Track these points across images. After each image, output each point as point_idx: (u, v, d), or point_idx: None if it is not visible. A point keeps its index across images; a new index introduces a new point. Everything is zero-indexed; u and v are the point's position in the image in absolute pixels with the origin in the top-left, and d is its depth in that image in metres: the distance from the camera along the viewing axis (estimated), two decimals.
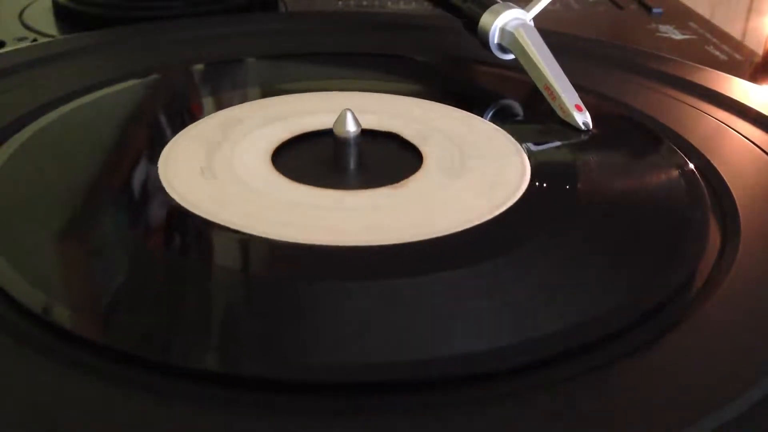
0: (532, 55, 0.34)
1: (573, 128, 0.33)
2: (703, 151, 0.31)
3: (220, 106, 0.34)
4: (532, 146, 0.31)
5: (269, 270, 0.24)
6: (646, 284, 0.23)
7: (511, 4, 0.37)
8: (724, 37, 0.51)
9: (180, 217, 0.25)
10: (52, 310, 0.21)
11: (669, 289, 0.23)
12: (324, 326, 0.21)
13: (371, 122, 0.32)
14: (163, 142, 0.30)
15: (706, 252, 0.25)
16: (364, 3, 0.57)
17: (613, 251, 0.25)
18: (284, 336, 0.20)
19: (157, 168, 0.28)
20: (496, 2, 0.37)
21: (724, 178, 0.29)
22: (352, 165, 0.29)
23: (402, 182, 0.28)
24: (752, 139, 0.32)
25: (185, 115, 0.33)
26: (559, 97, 0.33)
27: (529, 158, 0.30)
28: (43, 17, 0.50)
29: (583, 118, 0.32)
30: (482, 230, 0.25)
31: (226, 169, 0.28)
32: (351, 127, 0.28)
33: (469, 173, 0.29)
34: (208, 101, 0.35)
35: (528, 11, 0.36)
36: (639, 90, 0.37)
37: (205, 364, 0.19)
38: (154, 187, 0.27)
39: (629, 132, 0.33)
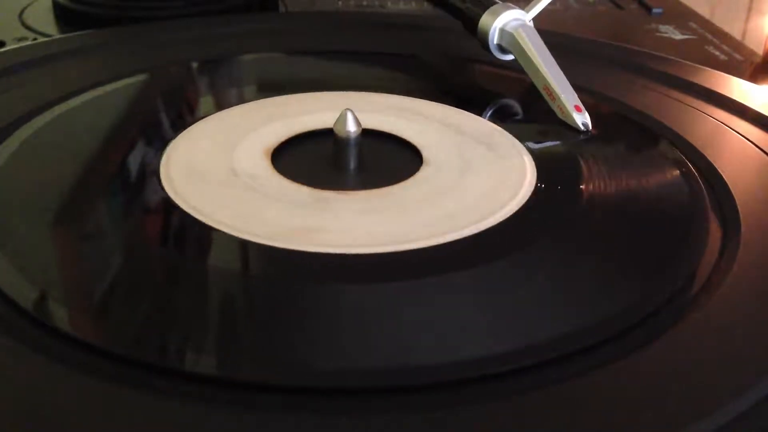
0: (531, 56, 0.34)
1: (573, 129, 0.33)
2: (703, 151, 0.31)
3: (219, 105, 0.34)
4: (533, 146, 0.31)
5: (267, 272, 0.24)
6: (646, 285, 0.23)
7: (510, 4, 0.37)
8: (724, 37, 0.51)
9: (179, 218, 0.25)
10: (51, 310, 0.21)
11: (669, 289, 0.23)
12: (321, 330, 0.21)
13: (372, 122, 0.32)
14: (163, 143, 0.30)
15: (706, 252, 0.25)
16: (364, 3, 0.57)
17: (613, 252, 0.25)
18: (282, 339, 0.20)
19: (157, 169, 0.28)
20: (496, 3, 0.37)
21: (724, 178, 0.29)
22: (352, 165, 0.29)
23: (402, 183, 0.28)
24: (752, 139, 0.32)
25: (185, 115, 0.33)
26: (559, 98, 0.33)
27: (532, 159, 0.30)
28: (43, 17, 0.50)
29: (582, 119, 0.32)
30: (484, 232, 0.25)
31: (226, 168, 0.28)
32: (351, 127, 0.28)
33: (470, 174, 0.29)
34: (207, 101, 0.36)
35: (527, 12, 0.36)
36: (639, 90, 0.37)
37: (197, 367, 0.19)
38: (154, 188, 0.27)
39: (629, 132, 0.33)
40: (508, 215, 0.26)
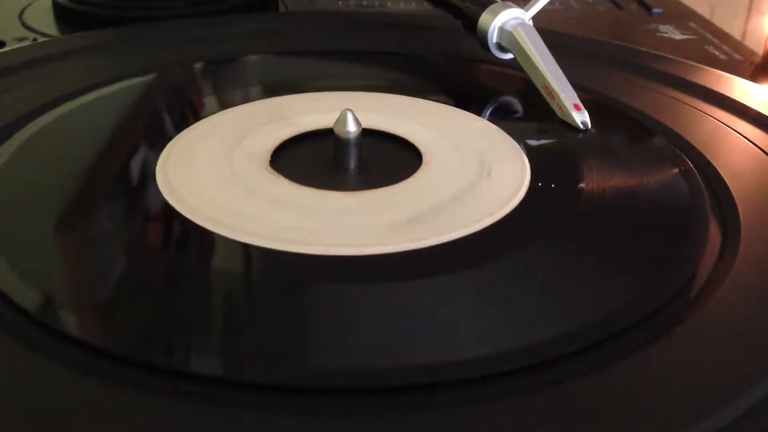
0: (530, 55, 0.34)
1: (572, 128, 0.33)
2: (703, 151, 0.31)
3: (219, 106, 0.34)
4: (532, 145, 0.31)
5: (268, 273, 0.24)
6: (646, 285, 0.23)
7: (510, 3, 0.37)
8: (724, 37, 0.51)
9: (179, 219, 0.25)
10: (50, 310, 0.21)
11: (669, 289, 0.23)
12: (322, 330, 0.21)
13: (371, 122, 0.32)
14: (162, 143, 0.30)
15: (706, 252, 0.25)
16: (364, 3, 0.57)
17: (612, 252, 0.25)
18: (280, 340, 0.20)
19: (156, 169, 0.28)
20: (495, 1, 0.37)
21: (724, 178, 0.29)
22: (352, 165, 0.29)
23: (402, 182, 0.28)
24: (752, 139, 0.32)
25: (185, 115, 0.33)
26: (558, 96, 0.33)
27: (528, 158, 0.30)
28: (43, 17, 0.50)
29: (581, 118, 0.32)
30: (482, 233, 0.25)
31: (226, 169, 0.28)
32: (351, 127, 0.28)
33: (469, 173, 0.29)
34: (207, 101, 0.35)
35: (527, 10, 0.36)
36: (639, 90, 0.37)
37: (197, 367, 0.19)
38: (152, 189, 0.27)
39: (629, 132, 0.33)
40: (507, 214, 0.26)
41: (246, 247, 0.24)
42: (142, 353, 0.19)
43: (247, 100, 0.34)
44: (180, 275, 0.23)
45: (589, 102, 0.33)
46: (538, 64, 0.34)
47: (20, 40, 0.46)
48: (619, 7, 0.58)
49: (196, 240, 0.25)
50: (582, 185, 0.28)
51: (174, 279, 0.23)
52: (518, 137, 0.31)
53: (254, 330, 0.21)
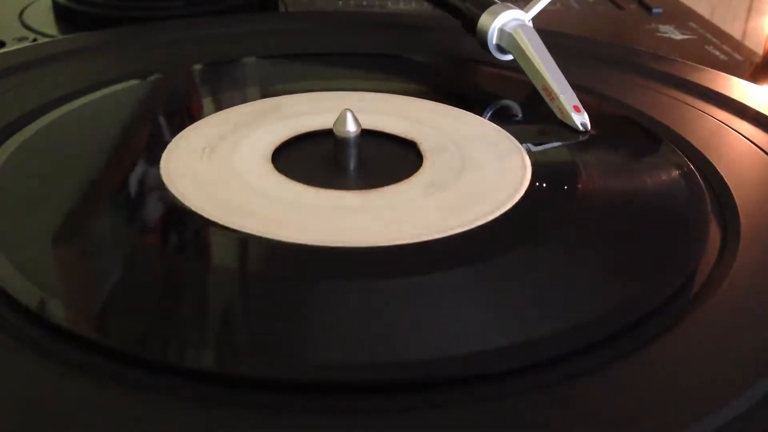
0: (530, 56, 0.34)
1: (572, 129, 0.33)
2: (703, 151, 0.31)
3: (219, 106, 0.34)
4: (532, 146, 0.31)
5: (267, 270, 0.24)
6: (646, 284, 0.23)
7: (509, 4, 0.37)
8: (724, 37, 0.51)
9: (180, 217, 0.25)
10: (51, 309, 0.21)
11: (669, 289, 0.23)
12: (320, 326, 0.21)
13: (371, 122, 0.32)
14: (163, 143, 0.30)
15: (706, 252, 0.25)
16: (364, 3, 0.57)
17: (612, 251, 0.25)
18: (281, 336, 0.20)
19: (157, 168, 0.28)
20: (495, 2, 0.37)
21: (724, 178, 0.29)
22: (351, 165, 0.29)
23: (402, 182, 0.28)
24: (752, 139, 0.32)
25: (185, 115, 0.33)
26: (558, 98, 0.33)
27: (529, 159, 0.30)
28: (43, 17, 0.50)
29: (581, 119, 0.32)
30: (482, 231, 0.25)
31: (226, 168, 0.28)
32: (351, 127, 0.28)
33: (469, 173, 0.29)
34: (208, 101, 0.36)
35: (527, 12, 0.36)
36: (639, 90, 0.37)
37: (200, 363, 0.19)
38: (154, 187, 0.27)
39: (629, 132, 0.33)
40: (506, 214, 0.26)
41: (245, 243, 0.24)
42: (143, 352, 0.19)
43: (246, 100, 0.34)
44: (181, 273, 0.23)
45: (588, 103, 0.33)
46: (537, 66, 0.34)
47: (20, 40, 0.46)
48: (619, 7, 0.58)
49: (199, 238, 0.25)
50: (582, 185, 0.28)
51: (175, 277, 0.23)
52: (518, 138, 0.31)
53: (254, 326, 0.21)
